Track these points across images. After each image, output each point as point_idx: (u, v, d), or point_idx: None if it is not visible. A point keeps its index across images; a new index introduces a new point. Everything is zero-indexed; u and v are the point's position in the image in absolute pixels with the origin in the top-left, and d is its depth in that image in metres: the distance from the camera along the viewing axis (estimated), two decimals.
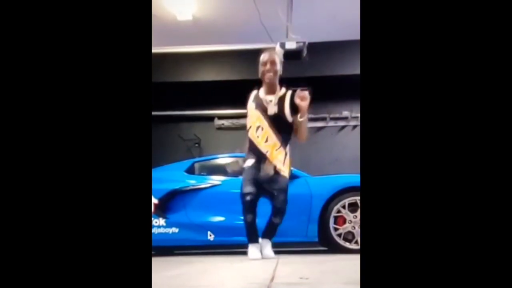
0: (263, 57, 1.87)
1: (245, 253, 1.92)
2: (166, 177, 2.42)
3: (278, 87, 1.87)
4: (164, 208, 2.32)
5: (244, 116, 4.46)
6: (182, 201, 2.33)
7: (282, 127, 1.83)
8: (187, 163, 2.63)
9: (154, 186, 2.18)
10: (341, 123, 4.03)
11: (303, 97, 1.75)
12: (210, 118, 4.14)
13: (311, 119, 4.01)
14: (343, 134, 4.05)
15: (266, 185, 1.82)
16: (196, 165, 2.63)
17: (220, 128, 4.15)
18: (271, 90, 1.87)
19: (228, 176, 2.47)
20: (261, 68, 1.86)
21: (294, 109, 1.80)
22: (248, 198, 1.82)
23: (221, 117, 4.12)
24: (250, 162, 1.86)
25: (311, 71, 3.53)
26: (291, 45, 2.63)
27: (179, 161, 2.75)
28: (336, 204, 2.17)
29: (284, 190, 1.83)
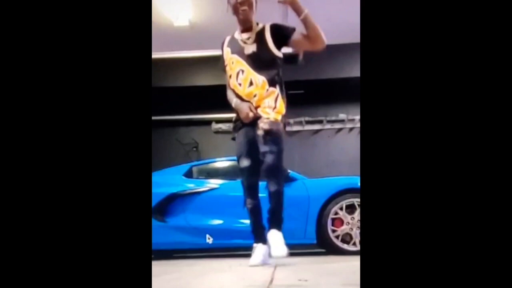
0: None
1: (244, 255, 1.91)
2: (165, 181, 2.42)
3: (255, 23, 1.53)
4: (163, 212, 2.32)
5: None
6: (180, 204, 2.34)
7: (268, 64, 1.49)
8: (185, 167, 2.64)
9: (153, 190, 2.18)
10: (337, 126, 4.06)
11: None
12: (208, 122, 4.15)
13: (308, 122, 4.06)
14: (340, 136, 4.07)
15: (260, 145, 1.43)
16: (194, 169, 2.64)
17: (217, 132, 4.16)
18: (246, 28, 1.53)
19: (226, 179, 2.48)
20: (232, 1, 1.49)
21: (283, 37, 1.50)
22: (244, 175, 1.48)
23: (219, 121, 4.13)
24: (239, 125, 1.51)
25: (307, 74, 3.56)
26: (286, 49, 2.64)
27: (177, 165, 2.75)
28: (334, 206, 2.18)
29: (275, 141, 1.41)
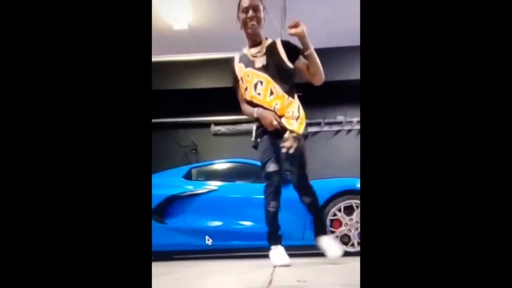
0: (243, 2, 1.53)
1: (243, 257, 1.92)
2: (164, 183, 2.43)
3: (263, 37, 1.57)
4: (162, 214, 2.33)
5: (240, 122, 4.45)
6: (180, 206, 2.35)
7: (283, 75, 1.53)
8: (184, 169, 2.65)
9: (153, 191, 2.19)
10: (335, 128, 4.09)
11: (296, 24, 1.43)
12: (207, 125, 4.17)
13: (306, 124, 4.07)
14: (337, 138, 4.10)
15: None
16: (193, 171, 2.65)
17: (216, 134, 4.18)
18: (255, 43, 1.57)
19: (224, 181, 2.49)
20: (241, 16, 1.54)
21: (292, 54, 1.54)
22: (271, 179, 1.49)
23: (217, 123, 4.15)
24: (260, 133, 1.54)
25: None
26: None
27: (176, 167, 2.76)
28: (332, 207, 2.19)
29: (298, 158, 1.49)
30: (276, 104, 1.51)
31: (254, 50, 1.58)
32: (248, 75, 1.58)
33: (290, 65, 1.56)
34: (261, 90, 1.54)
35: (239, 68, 1.61)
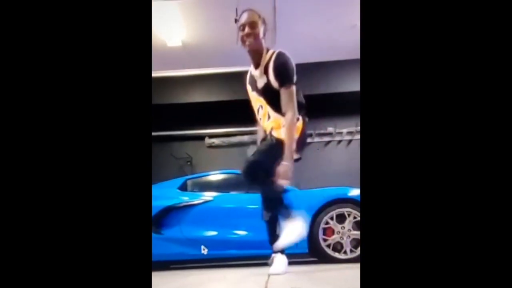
0: (241, 19, 1.47)
1: (238, 265, 1.93)
2: (160, 195, 2.44)
3: (264, 53, 1.49)
4: (159, 224, 2.34)
5: (233, 134, 4.51)
6: (176, 217, 2.36)
7: (275, 97, 1.46)
8: (179, 180, 2.67)
9: None
10: (326, 139, 4.20)
11: (279, 173, 1.38)
12: (201, 137, 4.23)
13: None
14: (328, 149, 4.20)
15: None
16: (189, 182, 2.67)
17: (210, 147, 4.24)
18: (257, 60, 1.50)
19: (219, 192, 2.53)
20: (239, 34, 1.48)
21: (279, 75, 1.45)
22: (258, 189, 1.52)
23: (211, 136, 4.22)
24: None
25: None
26: None
27: (172, 178, 2.78)
28: (325, 216, 2.22)
29: (264, 152, 1.43)
30: (272, 128, 1.50)
31: (256, 72, 1.52)
32: (254, 100, 1.57)
33: (277, 86, 1.48)
34: (261, 116, 1.53)
35: (248, 89, 1.59)
